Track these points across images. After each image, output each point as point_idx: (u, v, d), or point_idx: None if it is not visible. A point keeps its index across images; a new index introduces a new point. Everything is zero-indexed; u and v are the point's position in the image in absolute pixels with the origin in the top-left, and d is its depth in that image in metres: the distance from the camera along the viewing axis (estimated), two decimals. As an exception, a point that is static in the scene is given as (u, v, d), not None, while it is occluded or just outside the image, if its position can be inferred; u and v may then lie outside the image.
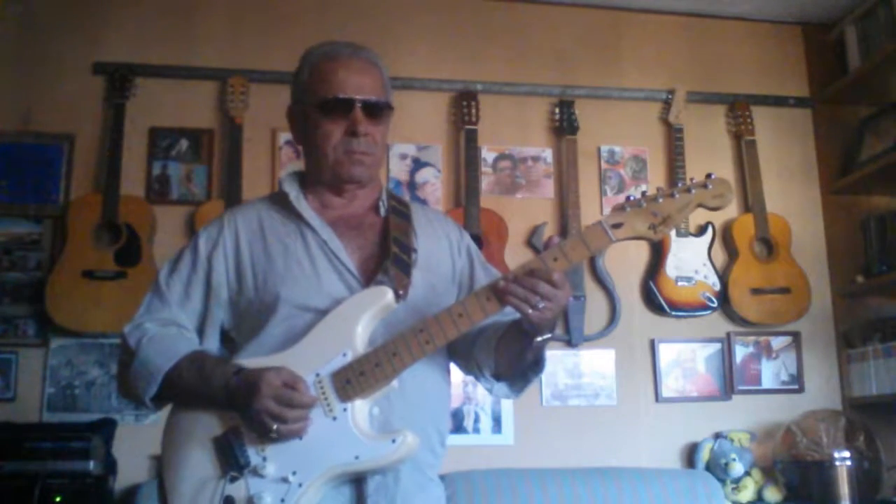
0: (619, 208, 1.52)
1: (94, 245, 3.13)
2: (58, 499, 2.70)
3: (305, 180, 1.73)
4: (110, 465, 2.91)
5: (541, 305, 1.45)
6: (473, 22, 3.66)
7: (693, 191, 1.51)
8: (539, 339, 1.53)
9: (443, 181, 3.49)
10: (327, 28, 3.45)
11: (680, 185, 1.53)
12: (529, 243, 3.44)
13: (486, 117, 3.49)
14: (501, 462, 3.15)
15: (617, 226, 1.50)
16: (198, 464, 1.50)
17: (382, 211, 1.72)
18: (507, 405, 3.31)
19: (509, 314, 1.56)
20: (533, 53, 3.68)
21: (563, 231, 3.45)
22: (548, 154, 3.59)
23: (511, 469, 3.08)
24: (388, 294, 1.53)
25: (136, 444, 3.02)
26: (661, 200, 1.51)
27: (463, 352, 1.69)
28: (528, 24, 3.70)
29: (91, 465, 2.78)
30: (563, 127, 3.55)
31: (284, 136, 3.38)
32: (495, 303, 1.50)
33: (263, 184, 3.33)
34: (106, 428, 2.95)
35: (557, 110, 3.58)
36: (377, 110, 1.65)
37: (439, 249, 1.74)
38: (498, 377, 1.69)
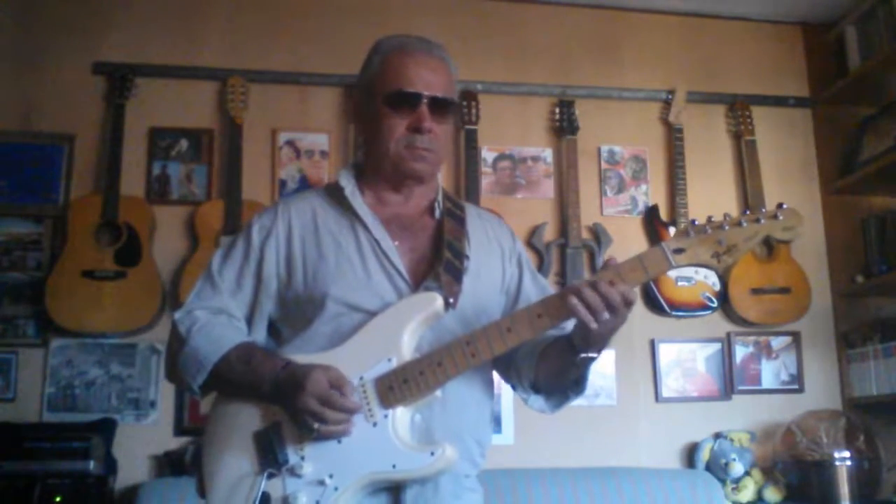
0: (683, 233, 1.46)
1: (94, 245, 3.12)
2: (58, 499, 2.70)
3: (363, 173, 1.71)
4: (110, 465, 2.92)
5: (605, 317, 1.40)
6: (473, 22, 3.66)
7: (762, 220, 1.45)
8: (584, 355, 1.49)
9: (442, 181, 3.48)
10: (327, 28, 3.46)
11: (748, 212, 1.47)
12: (529, 243, 3.43)
13: (486, 117, 3.48)
14: (501, 462, 3.14)
15: (679, 251, 1.45)
16: (237, 456, 1.49)
17: (437, 213, 1.69)
18: (508, 405, 3.30)
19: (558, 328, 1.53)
20: (533, 53, 3.68)
21: (563, 230, 3.45)
22: (548, 154, 3.59)
23: (511, 469, 3.07)
24: (438, 301, 1.51)
25: (136, 444, 3.03)
26: (727, 228, 1.45)
27: (504, 359, 1.64)
28: (528, 24, 3.70)
29: (91, 465, 2.78)
30: (563, 127, 3.55)
31: (284, 136, 3.38)
32: (546, 320, 1.47)
33: (263, 184, 3.34)
34: (106, 428, 2.96)
35: (557, 110, 3.58)
36: (443, 107, 1.63)
37: (491, 257, 1.71)
38: (536, 389, 1.66)
